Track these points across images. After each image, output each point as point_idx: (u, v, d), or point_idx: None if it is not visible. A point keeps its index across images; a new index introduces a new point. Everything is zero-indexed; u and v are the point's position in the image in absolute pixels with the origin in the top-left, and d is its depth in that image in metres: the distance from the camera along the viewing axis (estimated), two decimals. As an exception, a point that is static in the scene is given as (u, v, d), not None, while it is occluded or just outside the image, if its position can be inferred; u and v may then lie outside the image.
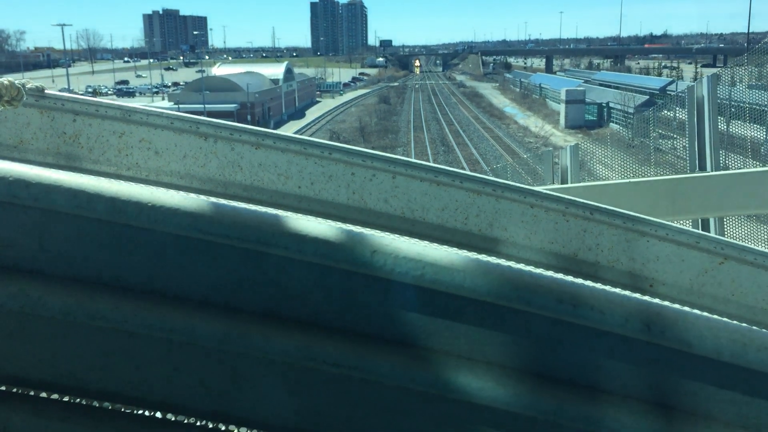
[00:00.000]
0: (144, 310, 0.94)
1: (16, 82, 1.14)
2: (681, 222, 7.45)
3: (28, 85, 1.18)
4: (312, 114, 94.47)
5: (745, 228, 7.42)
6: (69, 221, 0.92)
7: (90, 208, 0.92)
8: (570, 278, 1.02)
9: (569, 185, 7.79)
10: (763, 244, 7.54)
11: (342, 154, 1.19)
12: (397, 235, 1.02)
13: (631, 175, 8.35)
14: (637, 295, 1.04)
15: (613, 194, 5.93)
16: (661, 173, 8.18)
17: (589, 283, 1.03)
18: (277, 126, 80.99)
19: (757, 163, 8.13)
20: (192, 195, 0.98)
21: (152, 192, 0.95)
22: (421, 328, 0.96)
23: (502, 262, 1.01)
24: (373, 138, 69.02)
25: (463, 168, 52.02)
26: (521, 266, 1.01)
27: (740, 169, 7.14)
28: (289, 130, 76.87)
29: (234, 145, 1.21)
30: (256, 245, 0.93)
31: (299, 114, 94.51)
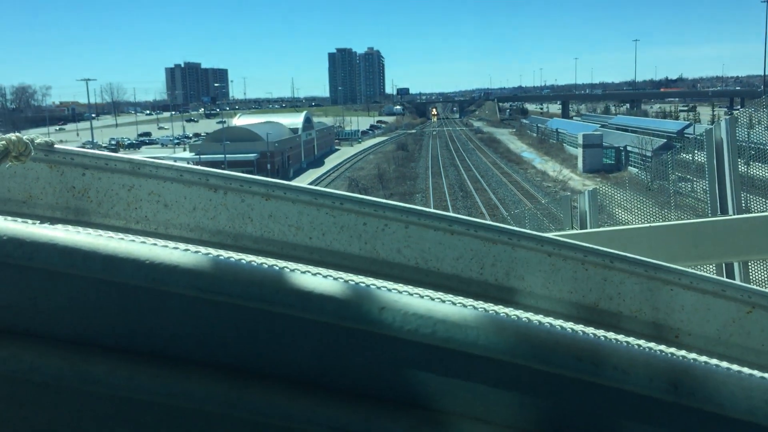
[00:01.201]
0: (142, 373, 0.89)
1: (24, 137, 1.13)
2: (704, 267, 7.38)
3: (37, 140, 1.18)
4: (331, 162, 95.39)
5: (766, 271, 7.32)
6: (64, 281, 0.89)
7: (85, 266, 0.88)
8: (591, 334, 0.95)
9: (588, 230, 7.76)
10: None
11: (353, 204, 1.17)
12: (406, 291, 0.95)
13: (652, 218, 8.32)
14: (664, 351, 0.96)
15: (633, 239, 5.90)
16: (682, 216, 8.13)
17: (611, 338, 0.95)
18: (296, 174, 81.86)
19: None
20: (192, 251, 0.93)
21: (150, 249, 0.91)
22: (433, 389, 0.91)
23: (519, 317, 0.94)
24: (392, 184, 69.41)
25: (482, 213, 52.03)
26: (538, 321, 0.94)
27: (764, 212, 7.09)
28: (308, 177, 77.62)
29: (244, 196, 1.19)
30: (259, 303, 0.89)
31: (318, 162, 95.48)
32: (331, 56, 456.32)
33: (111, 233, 0.98)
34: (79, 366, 0.89)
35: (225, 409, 0.91)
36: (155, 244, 0.95)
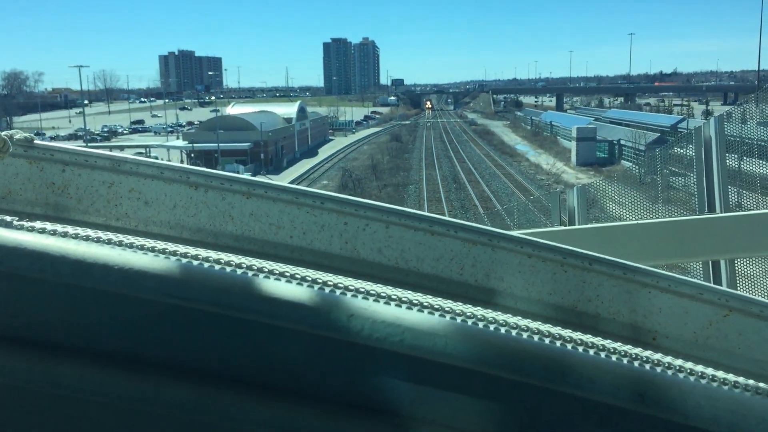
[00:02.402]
0: (111, 377, 0.89)
1: (3, 133, 1.13)
2: (691, 264, 7.40)
3: (17, 136, 1.17)
4: (324, 152, 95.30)
5: (757, 266, 7.35)
6: (33, 285, 0.88)
7: (54, 271, 0.88)
8: (559, 343, 0.96)
9: (576, 227, 7.77)
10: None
11: (334, 204, 1.17)
12: (377, 297, 0.96)
13: (644, 212, 8.33)
14: (631, 361, 0.97)
15: (620, 236, 5.91)
16: (674, 210, 8.15)
17: (579, 348, 0.96)
18: (290, 164, 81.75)
19: (771, 200, 8.09)
20: (161, 256, 0.93)
21: (120, 254, 0.91)
22: (401, 396, 0.92)
23: (487, 326, 0.95)
24: (385, 176, 69.41)
25: (475, 205, 52.10)
26: (506, 330, 0.95)
27: (750, 210, 7.12)
28: (302, 167, 77.51)
29: (225, 194, 1.19)
30: (227, 310, 0.89)
31: (312, 152, 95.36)
32: (325, 46, 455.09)
33: (89, 232, 0.98)
34: (50, 371, 0.89)
35: (195, 415, 0.90)
36: (124, 249, 0.94)
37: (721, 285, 6.81)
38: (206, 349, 0.93)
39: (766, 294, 7.39)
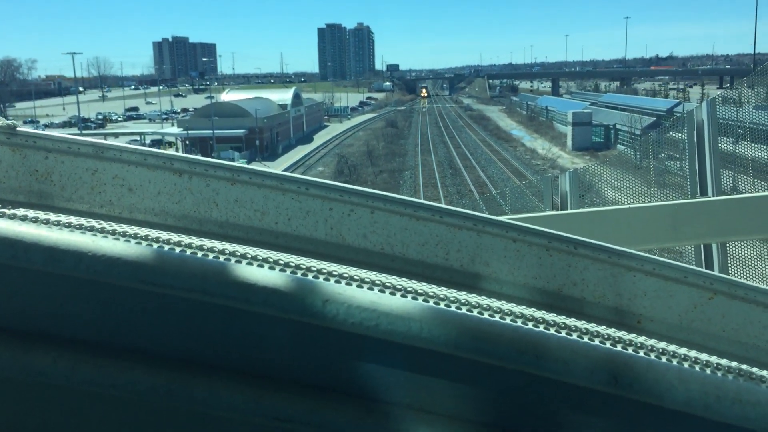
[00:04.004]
0: (84, 364, 0.89)
1: None
2: (683, 247, 7.42)
3: None
4: (320, 138, 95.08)
5: (752, 249, 7.39)
6: (6, 272, 0.89)
7: (27, 258, 0.88)
8: (534, 325, 0.97)
9: (568, 211, 7.79)
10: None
11: (319, 189, 1.17)
12: (354, 284, 0.96)
13: (639, 196, 8.35)
14: (607, 344, 0.98)
15: (612, 220, 5.94)
16: (670, 195, 8.16)
17: (554, 330, 0.97)
18: (285, 150, 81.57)
19: (766, 184, 8.12)
20: (134, 242, 0.93)
21: (94, 241, 0.91)
22: (377, 380, 0.92)
23: (464, 310, 0.96)
24: (381, 161, 69.31)
25: (470, 190, 52.12)
26: (482, 315, 0.96)
27: (743, 194, 7.14)
28: (297, 154, 77.34)
29: (209, 181, 1.19)
30: (202, 295, 0.89)
31: (307, 138, 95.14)
32: (320, 31, 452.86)
33: (65, 219, 0.98)
34: (22, 357, 0.89)
35: (168, 401, 0.91)
36: (98, 236, 0.94)
37: (713, 268, 6.84)
38: (179, 335, 0.93)
39: (759, 277, 7.43)
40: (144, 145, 77.78)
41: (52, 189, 1.20)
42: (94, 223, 0.99)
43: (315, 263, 1.01)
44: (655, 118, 66.98)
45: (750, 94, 9.05)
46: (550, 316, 1.03)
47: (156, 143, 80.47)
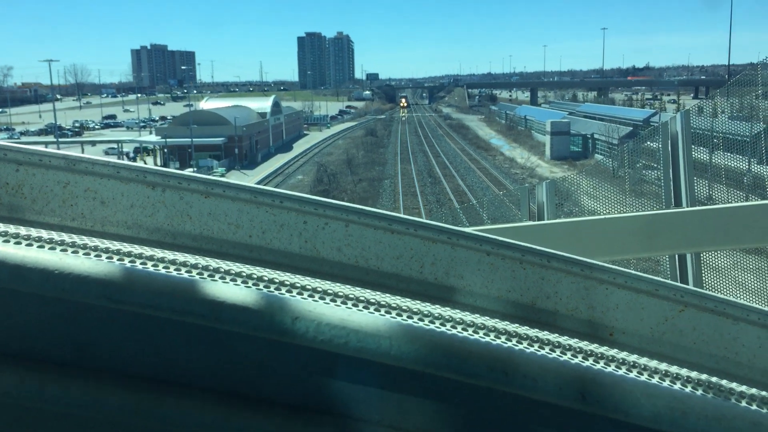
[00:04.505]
0: (51, 383, 0.87)
1: None
2: (659, 257, 7.50)
3: None
4: (299, 147, 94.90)
5: (727, 258, 7.48)
6: None
7: None
8: (505, 339, 0.98)
9: (544, 222, 7.84)
10: (744, 273, 7.61)
11: (294, 203, 1.17)
12: (327, 299, 0.97)
13: (617, 206, 8.43)
14: (577, 359, 0.98)
15: (588, 230, 5.98)
16: (646, 204, 8.25)
17: (525, 345, 0.98)
18: (264, 158, 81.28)
19: (740, 193, 8.23)
20: (103, 259, 0.92)
21: (61, 258, 0.90)
22: (347, 398, 0.92)
23: (436, 325, 0.96)
24: (361, 170, 69.31)
25: (450, 199, 52.25)
26: (454, 330, 0.97)
27: (718, 204, 7.25)
28: (276, 162, 77.09)
29: (183, 194, 1.17)
30: (170, 313, 0.88)
31: (286, 147, 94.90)
32: (300, 40, 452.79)
33: (34, 234, 0.97)
34: None
35: (137, 420, 0.90)
36: (65, 252, 0.94)
37: (688, 278, 6.92)
38: (148, 353, 0.92)
39: (733, 286, 7.53)
40: (122, 153, 76.81)
41: (22, 202, 1.18)
42: (64, 237, 0.97)
43: (288, 277, 1.00)
44: (631, 128, 67.74)
45: (725, 104, 9.19)
46: (523, 330, 1.03)
47: (139, 151, 79.88)
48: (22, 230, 0.98)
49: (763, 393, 1.05)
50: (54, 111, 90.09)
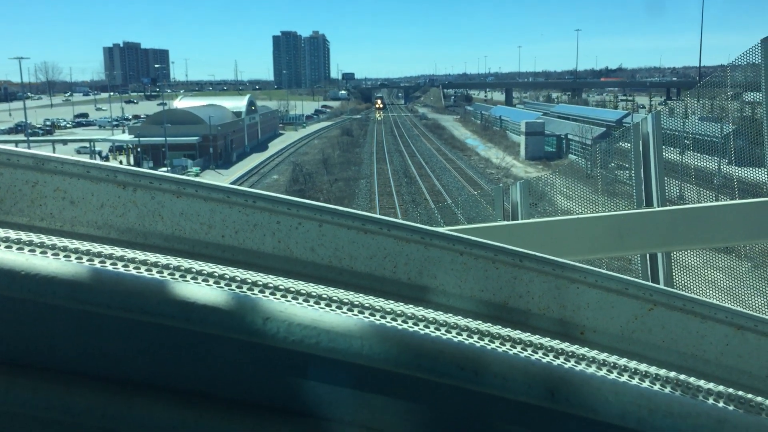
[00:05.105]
0: (19, 386, 0.87)
1: None
2: (630, 256, 7.60)
3: None
4: (275, 146, 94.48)
5: (697, 257, 7.60)
6: None
7: None
8: (477, 339, 0.99)
9: (518, 222, 7.91)
10: (714, 271, 7.73)
11: (267, 203, 1.16)
12: (299, 298, 0.97)
13: (591, 205, 8.51)
14: (547, 357, 0.99)
15: (561, 230, 6.04)
16: (619, 203, 8.35)
17: (496, 344, 0.98)
18: (240, 158, 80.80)
19: (711, 193, 8.36)
20: (72, 260, 0.91)
21: (27, 259, 0.89)
22: (318, 398, 0.92)
23: (407, 325, 0.96)
24: (336, 170, 69.22)
25: (426, 199, 52.39)
26: (426, 329, 0.97)
27: (686, 204, 7.36)
28: (252, 162, 76.66)
29: (154, 193, 1.16)
30: (140, 315, 0.87)
31: (262, 146, 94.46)
32: (275, 39, 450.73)
33: (14, 234, 0.97)
34: None
35: (105, 423, 0.89)
36: (33, 253, 0.93)
37: (659, 276, 7.02)
38: (117, 355, 0.91)
39: (703, 283, 7.65)
40: (94, 153, 75.68)
41: None
42: (32, 237, 0.96)
43: (261, 278, 1.00)
44: (605, 129, 68.46)
45: (696, 105, 9.33)
46: (495, 329, 1.04)
47: (114, 150, 78.86)
48: None
49: (729, 390, 1.06)
50: (24, 109, 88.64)
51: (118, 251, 0.98)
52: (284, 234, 1.19)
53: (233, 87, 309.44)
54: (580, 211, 8.32)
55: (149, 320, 0.89)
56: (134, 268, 0.94)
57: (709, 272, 7.66)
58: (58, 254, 0.94)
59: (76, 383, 0.90)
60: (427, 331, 0.98)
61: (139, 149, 74.40)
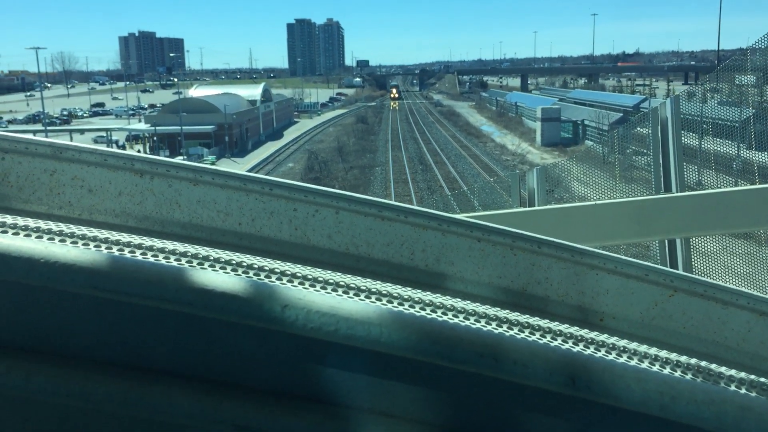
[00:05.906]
0: (38, 373, 0.87)
1: None
2: (648, 243, 7.54)
3: None
4: (290, 134, 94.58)
5: (716, 243, 7.53)
6: None
7: None
8: (495, 325, 0.98)
9: (535, 208, 7.86)
10: (733, 258, 7.66)
11: (283, 190, 1.16)
12: (316, 286, 0.96)
13: (608, 191, 8.46)
14: (566, 344, 0.98)
15: (578, 216, 5.99)
16: (636, 189, 8.28)
17: (515, 331, 0.97)
18: (255, 146, 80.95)
19: (730, 178, 8.27)
20: (91, 248, 0.91)
21: (47, 247, 0.89)
22: (336, 385, 0.92)
23: (425, 312, 0.96)
24: (351, 158, 69.17)
25: (441, 186, 52.27)
26: (444, 316, 0.96)
27: (704, 189, 7.28)
28: (267, 150, 76.82)
29: (171, 181, 1.16)
30: (159, 302, 0.87)
31: (277, 134, 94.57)
32: (289, 27, 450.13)
33: (21, 222, 0.97)
34: None
35: (125, 409, 0.89)
36: (52, 241, 0.93)
37: (677, 263, 6.97)
38: (136, 342, 0.92)
39: (722, 270, 7.58)
40: (111, 142, 76.20)
41: (9, 191, 1.17)
42: (51, 225, 0.97)
43: (278, 265, 1.00)
44: (622, 114, 67.81)
45: (714, 89, 9.21)
46: (513, 316, 1.04)
47: (134, 138, 79.27)
48: (9, 219, 0.97)
49: (752, 377, 1.05)
50: (42, 99, 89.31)
51: (136, 239, 0.98)
52: (301, 221, 1.19)
53: (248, 75, 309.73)
54: (597, 197, 8.27)
55: (168, 307, 0.89)
56: (152, 255, 0.94)
57: (728, 258, 7.59)
58: (76, 242, 0.94)
59: (96, 370, 0.90)
60: (445, 318, 0.97)
61: (155, 138, 74.75)
